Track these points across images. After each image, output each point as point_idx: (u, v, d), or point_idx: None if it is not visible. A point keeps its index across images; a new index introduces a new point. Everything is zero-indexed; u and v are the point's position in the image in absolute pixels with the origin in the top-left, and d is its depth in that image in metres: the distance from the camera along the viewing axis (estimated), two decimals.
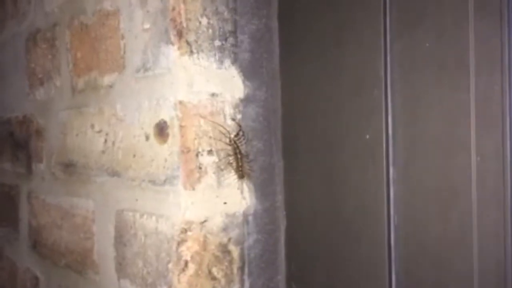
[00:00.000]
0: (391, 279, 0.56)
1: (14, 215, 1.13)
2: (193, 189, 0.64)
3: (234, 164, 0.67)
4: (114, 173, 0.76)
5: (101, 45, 0.79)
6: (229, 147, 0.67)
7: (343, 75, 0.60)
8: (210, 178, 0.66)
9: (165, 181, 0.66)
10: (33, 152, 1.04)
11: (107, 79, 0.78)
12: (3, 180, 1.18)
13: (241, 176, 0.67)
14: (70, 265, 0.89)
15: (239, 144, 0.67)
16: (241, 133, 0.68)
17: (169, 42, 0.64)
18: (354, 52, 0.59)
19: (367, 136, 0.57)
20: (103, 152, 0.79)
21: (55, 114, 0.94)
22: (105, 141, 0.79)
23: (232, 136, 0.67)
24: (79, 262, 0.86)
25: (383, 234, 0.56)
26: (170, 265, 0.64)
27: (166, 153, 0.65)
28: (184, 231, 0.63)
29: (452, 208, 0.51)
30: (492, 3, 0.49)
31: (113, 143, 0.77)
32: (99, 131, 0.80)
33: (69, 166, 0.90)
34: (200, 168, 0.65)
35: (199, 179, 0.65)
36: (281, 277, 0.69)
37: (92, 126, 0.82)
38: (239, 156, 0.67)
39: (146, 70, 0.69)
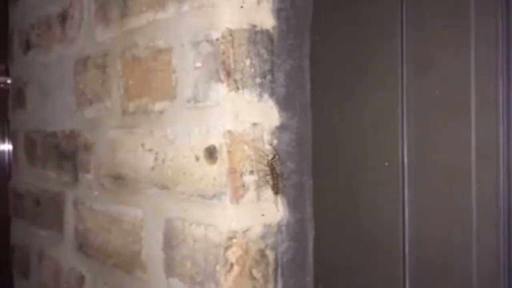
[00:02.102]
0: (405, 283, 0.68)
1: (58, 219, 1.25)
2: (238, 203, 0.77)
3: (271, 182, 0.79)
4: (164, 187, 0.89)
5: (152, 76, 0.91)
6: (267, 168, 0.79)
7: (366, 110, 0.73)
8: (251, 194, 0.78)
9: (213, 196, 0.78)
10: (80, 163, 1.16)
11: (158, 106, 0.90)
12: (47, 187, 1.31)
13: (276, 192, 0.80)
14: (117, 265, 1.02)
15: (275, 165, 0.79)
16: (277, 156, 0.80)
17: (219, 80, 0.77)
18: (376, 91, 0.71)
19: (386, 163, 0.70)
20: (152, 168, 0.92)
21: (104, 131, 1.06)
22: (155, 159, 0.91)
23: (270, 158, 0.80)
24: (127, 263, 0.99)
25: (398, 245, 0.68)
26: (217, 267, 0.76)
27: (215, 173, 0.78)
28: (230, 238, 0.76)
29: (455, 227, 0.64)
30: (490, 60, 0.62)
31: (163, 161, 0.89)
32: (150, 150, 0.93)
33: (118, 179, 1.02)
34: (243, 185, 0.77)
35: (242, 195, 0.77)
36: (309, 279, 0.81)
37: (143, 145, 0.95)
38: (275, 175, 0.79)
39: (196, 101, 0.81)
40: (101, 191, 1.08)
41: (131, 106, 0.98)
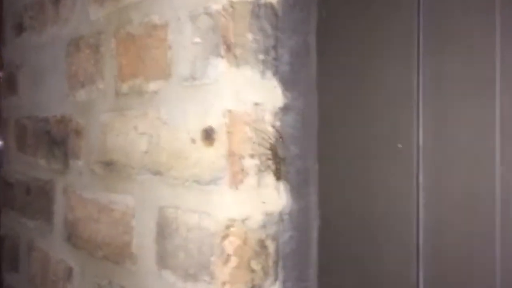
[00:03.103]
0: (418, 278, 0.62)
1: (47, 208, 1.19)
2: (237, 189, 0.70)
3: (273, 167, 0.73)
4: (157, 172, 0.83)
5: (147, 54, 0.85)
6: (269, 152, 0.73)
7: (377, 87, 0.66)
8: (251, 179, 0.72)
9: (210, 181, 0.72)
10: (71, 149, 1.10)
11: (152, 86, 0.84)
12: (37, 175, 1.25)
13: (278, 178, 0.74)
14: (107, 256, 0.96)
15: (278, 149, 0.73)
16: (280, 139, 0.74)
17: (218, 55, 0.71)
18: (389, 67, 0.65)
19: (399, 145, 0.63)
20: (145, 152, 0.86)
21: (96, 115, 1.00)
22: (149, 142, 0.85)
23: (272, 141, 0.73)
24: (117, 254, 0.92)
25: (412, 236, 0.62)
26: (213, 258, 0.70)
27: (212, 156, 0.71)
28: (228, 227, 0.70)
29: (477, 213, 0.58)
30: None
31: (157, 144, 0.83)
32: (143, 133, 0.86)
33: (109, 164, 0.96)
34: (243, 170, 0.71)
35: (242, 180, 0.71)
36: (312, 271, 0.75)
37: (135, 128, 0.88)
38: (277, 160, 0.73)
39: (193, 79, 0.75)
40: (91, 178, 1.02)
41: (125, 87, 0.92)
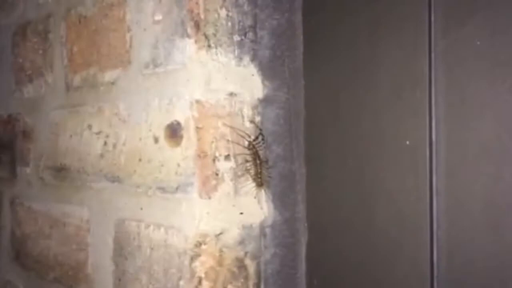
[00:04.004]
0: None
1: None
2: (209, 197, 0.58)
3: (253, 171, 0.61)
4: (115, 179, 0.69)
5: (102, 39, 0.72)
6: (248, 152, 0.61)
7: (379, 74, 0.55)
8: (227, 185, 0.59)
9: (177, 188, 0.59)
10: (18, 154, 0.95)
11: (108, 76, 0.71)
12: None
13: (259, 184, 0.61)
14: (59, 279, 0.81)
15: (258, 149, 0.61)
16: (260, 137, 0.62)
17: (185, 35, 0.58)
18: (393, 49, 0.54)
19: (407, 142, 0.52)
20: (101, 155, 0.72)
21: (46, 114, 0.86)
22: (105, 143, 0.72)
23: (251, 139, 0.61)
24: (70, 276, 0.79)
25: (424, 251, 0.51)
26: (181, 282, 0.57)
27: (179, 157, 0.59)
28: (199, 244, 0.57)
29: (504, 221, 0.47)
30: None
31: (114, 145, 0.70)
32: (98, 133, 0.73)
33: (60, 171, 0.82)
34: (217, 174, 0.59)
35: (215, 187, 0.58)
36: None
37: (90, 126, 0.75)
38: (258, 161, 0.61)
39: (156, 65, 0.63)
40: (41, 188, 0.88)
41: (77, 79, 0.78)
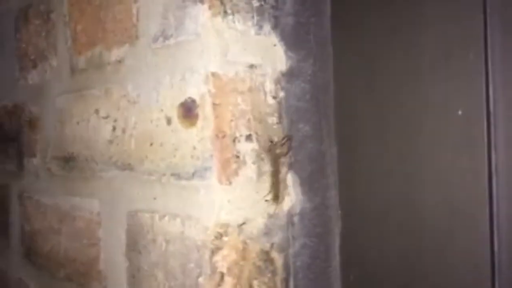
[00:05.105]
0: None
1: (3, 219, 0.99)
2: (230, 183, 0.51)
3: (277, 152, 0.54)
4: (126, 167, 0.63)
5: (107, 14, 0.66)
6: (271, 132, 0.54)
7: (423, 35, 0.48)
8: (249, 169, 0.53)
9: (193, 174, 0.53)
10: (25, 146, 0.90)
11: (115, 54, 0.65)
12: None
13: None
14: (70, 276, 0.76)
15: (283, 128, 0.54)
16: (285, 114, 0.55)
17: (198, 1, 0.52)
18: (441, 5, 0.46)
19: (459, 112, 0.45)
20: (110, 142, 0.66)
21: (52, 100, 0.80)
22: (114, 128, 0.66)
23: (275, 117, 0.54)
24: (82, 274, 0.73)
25: (482, 240, 0.44)
26: (201, 279, 0.51)
27: (195, 139, 0.52)
28: (219, 236, 0.50)
29: None
30: None
31: (124, 130, 0.64)
32: (106, 117, 0.67)
33: (68, 161, 0.76)
34: (237, 157, 0.52)
35: (236, 171, 0.52)
36: None
37: (97, 111, 0.69)
38: (283, 142, 0.54)
39: (166, 38, 0.56)
40: (49, 180, 0.83)
41: (82, 61, 0.72)
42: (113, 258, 0.66)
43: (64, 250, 0.78)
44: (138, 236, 0.61)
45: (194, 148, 0.52)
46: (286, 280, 0.55)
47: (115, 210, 0.65)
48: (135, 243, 0.61)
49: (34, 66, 0.85)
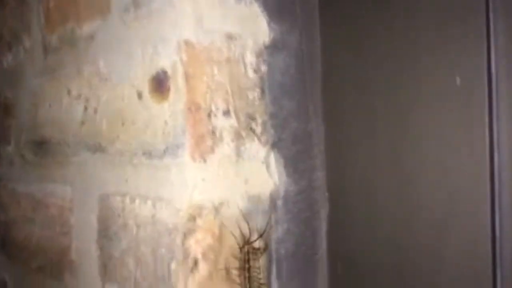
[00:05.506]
0: None
1: None
2: (204, 161, 0.47)
3: (259, 130, 0.50)
4: (97, 148, 0.59)
5: None
6: (252, 108, 0.50)
7: None
8: (227, 146, 0.48)
9: (165, 151, 0.48)
10: (0, 133, 0.86)
11: (87, 29, 0.60)
12: None
13: (267, 146, 0.50)
14: (43, 268, 0.72)
15: (265, 105, 0.50)
16: (267, 90, 0.51)
17: None
18: None
19: (458, 80, 0.40)
20: (82, 123, 0.62)
21: (26, 83, 0.76)
22: (85, 108, 0.61)
23: (257, 93, 0.50)
24: (54, 264, 0.69)
25: (484, 228, 0.39)
26: (173, 265, 0.47)
27: (166, 113, 0.48)
28: (192, 218, 0.46)
29: None
30: None
31: (95, 110, 0.59)
32: (78, 97, 0.63)
33: (41, 145, 0.72)
34: (213, 133, 0.48)
35: (212, 148, 0.48)
36: (321, 281, 0.52)
37: (69, 91, 0.65)
38: (264, 120, 0.50)
39: (137, 6, 0.52)
40: (23, 167, 0.78)
41: (54, 39, 0.68)
42: (85, 247, 0.62)
43: (37, 239, 0.73)
44: (109, 221, 0.56)
45: (166, 123, 0.48)
46: (268, 268, 0.51)
47: (87, 195, 0.61)
48: (106, 229, 0.57)
49: (9, 49, 0.81)
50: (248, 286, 0.46)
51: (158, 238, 0.48)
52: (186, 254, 0.46)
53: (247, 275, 0.47)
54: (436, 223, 0.43)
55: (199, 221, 0.46)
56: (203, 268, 0.46)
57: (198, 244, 0.46)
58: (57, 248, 0.68)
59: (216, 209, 0.47)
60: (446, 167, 0.42)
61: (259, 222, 0.50)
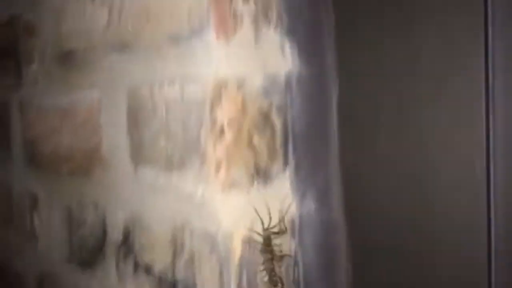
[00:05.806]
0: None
1: (5, 134, 1.00)
2: (227, 41, 0.52)
3: (274, 16, 0.55)
4: (123, 46, 0.64)
5: None
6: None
7: None
8: (247, 30, 0.54)
9: (191, 34, 0.54)
10: (23, 54, 0.91)
11: None
12: None
13: (281, 32, 0.55)
14: (73, 170, 0.78)
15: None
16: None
17: None
18: None
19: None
20: (107, 27, 0.67)
21: (47, 3, 0.80)
22: (109, 12, 0.66)
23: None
24: (85, 164, 0.75)
25: (480, 221, 0.43)
26: (202, 132, 0.53)
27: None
28: (218, 90, 0.52)
29: None
30: None
31: (120, 11, 0.64)
32: (101, 3, 0.67)
33: (67, 57, 0.77)
34: (235, 16, 0.53)
35: (234, 29, 0.53)
36: (334, 155, 0.58)
37: (92, 0, 0.69)
38: (278, 7, 0.55)
39: None
40: (49, 82, 0.83)
41: None
42: (115, 141, 0.67)
43: (66, 146, 0.79)
44: (139, 110, 0.62)
45: (190, 8, 0.53)
46: (285, 143, 0.57)
47: (115, 92, 0.66)
48: (136, 119, 0.63)
49: None
50: (272, 264, 0.51)
51: (188, 113, 0.54)
52: (213, 122, 0.52)
53: (269, 256, 0.51)
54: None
55: (224, 93, 0.52)
56: (229, 134, 0.52)
57: (223, 113, 0.52)
58: (87, 149, 0.74)
59: (239, 84, 0.53)
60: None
61: (276, 100, 0.56)
